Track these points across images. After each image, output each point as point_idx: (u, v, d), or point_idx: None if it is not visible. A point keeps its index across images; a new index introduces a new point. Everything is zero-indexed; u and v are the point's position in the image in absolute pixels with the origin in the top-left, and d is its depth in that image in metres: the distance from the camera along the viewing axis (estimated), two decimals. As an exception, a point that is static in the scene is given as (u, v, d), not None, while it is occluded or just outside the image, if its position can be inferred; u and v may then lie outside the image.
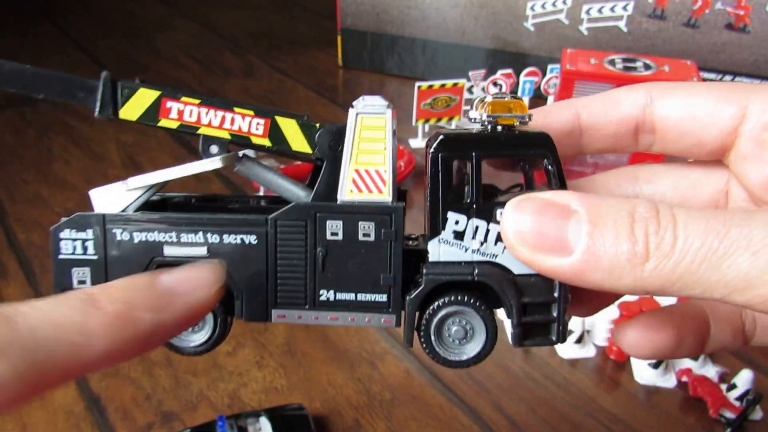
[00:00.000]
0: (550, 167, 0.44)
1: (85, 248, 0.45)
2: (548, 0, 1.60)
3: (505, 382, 0.91)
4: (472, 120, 0.45)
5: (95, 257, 0.45)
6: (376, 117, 0.44)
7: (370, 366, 0.93)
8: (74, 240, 0.45)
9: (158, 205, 0.48)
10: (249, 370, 0.92)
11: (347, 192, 0.44)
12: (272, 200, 0.50)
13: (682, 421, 0.87)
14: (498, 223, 0.43)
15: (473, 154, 0.43)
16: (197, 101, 0.45)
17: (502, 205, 0.41)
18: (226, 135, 0.45)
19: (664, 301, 0.97)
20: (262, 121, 0.45)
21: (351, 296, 0.45)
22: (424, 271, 0.44)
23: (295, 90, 1.79)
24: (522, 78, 1.47)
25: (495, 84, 1.46)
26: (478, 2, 1.67)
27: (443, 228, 0.44)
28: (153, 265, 0.45)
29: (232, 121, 0.45)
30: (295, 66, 1.94)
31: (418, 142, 1.48)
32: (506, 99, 0.44)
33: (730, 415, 0.86)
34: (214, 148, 0.45)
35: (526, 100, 1.51)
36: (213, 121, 0.45)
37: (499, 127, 0.44)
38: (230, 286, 0.45)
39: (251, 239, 0.45)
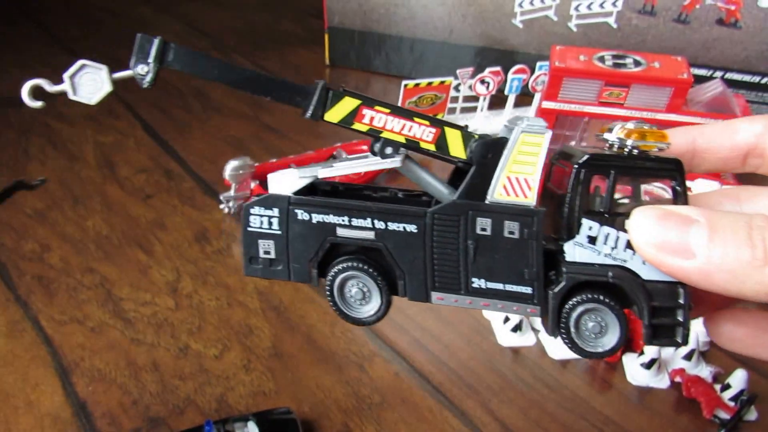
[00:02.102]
0: (678, 188, 0.50)
1: (270, 223, 0.52)
2: (536, -3, 1.60)
3: (496, 384, 0.90)
4: (609, 142, 0.51)
5: (279, 232, 0.52)
6: (536, 135, 0.50)
7: (359, 368, 0.92)
8: (262, 216, 0.52)
9: (311, 189, 0.55)
10: (236, 373, 0.91)
11: (497, 194, 0.50)
12: (407, 192, 0.57)
13: (676, 422, 0.86)
14: (626, 231, 0.48)
15: (612, 172, 0.50)
16: (388, 110, 0.52)
17: (628, 216, 0.47)
18: (401, 139, 0.52)
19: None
20: (434, 130, 0.52)
21: (500, 286, 0.52)
22: (564, 269, 0.50)
23: (281, 89, 1.77)
24: (510, 75, 1.46)
25: (482, 82, 1.45)
26: (465, 0, 1.66)
27: (578, 232, 0.50)
28: (326, 243, 0.52)
29: (410, 128, 0.52)
30: (282, 65, 1.93)
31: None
32: (647, 128, 0.50)
33: (724, 415, 0.86)
34: (389, 150, 0.52)
35: (512, 98, 1.51)
36: (395, 128, 0.52)
37: (636, 150, 0.50)
38: (393, 268, 0.52)
39: (412, 228, 0.51)
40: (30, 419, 0.85)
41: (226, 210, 1.22)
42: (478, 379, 0.91)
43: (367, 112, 0.52)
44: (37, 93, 0.52)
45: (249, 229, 0.52)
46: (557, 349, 0.95)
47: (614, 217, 0.49)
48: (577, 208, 0.50)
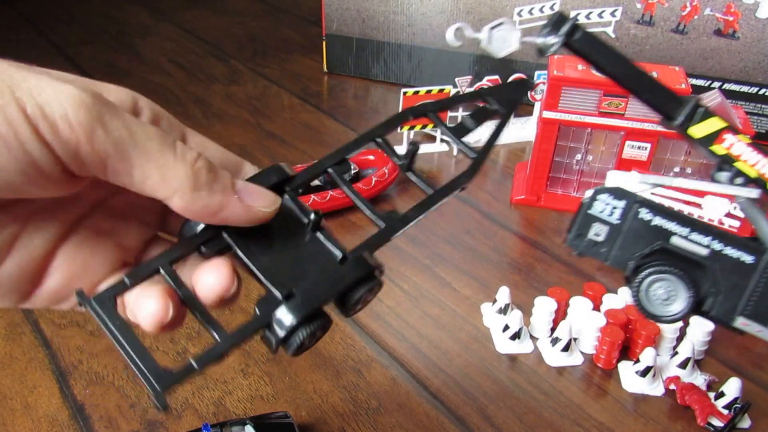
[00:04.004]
0: None
1: (612, 212, 0.54)
2: (535, 5, 1.60)
3: (492, 390, 0.91)
4: None
5: (616, 222, 0.54)
6: None
7: (356, 374, 0.92)
8: (607, 204, 0.54)
9: None
10: (234, 377, 0.91)
11: None
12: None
13: (670, 429, 0.87)
14: None
15: None
16: (747, 140, 0.54)
17: None
18: (752, 173, 0.54)
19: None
20: None
21: None
22: None
23: (279, 96, 1.78)
24: (508, 84, 1.46)
25: (481, 90, 1.46)
26: (464, 8, 1.67)
27: None
28: (656, 246, 0.54)
29: (764, 165, 0.54)
30: (280, 72, 1.94)
31: (402, 149, 1.47)
32: None
33: (718, 423, 0.86)
34: (739, 180, 0.54)
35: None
36: (749, 160, 0.54)
37: None
38: (708, 285, 0.54)
39: (748, 259, 0.53)
40: (27, 421, 0.85)
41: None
42: (474, 385, 0.91)
43: (728, 137, 0.54)
44: (459, 35, 0.55)
45: (590, 211, 0.55)
46: (554, 356, 0.95)
47: None
48: None
